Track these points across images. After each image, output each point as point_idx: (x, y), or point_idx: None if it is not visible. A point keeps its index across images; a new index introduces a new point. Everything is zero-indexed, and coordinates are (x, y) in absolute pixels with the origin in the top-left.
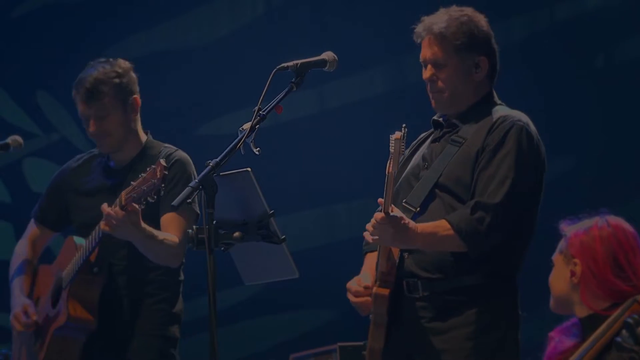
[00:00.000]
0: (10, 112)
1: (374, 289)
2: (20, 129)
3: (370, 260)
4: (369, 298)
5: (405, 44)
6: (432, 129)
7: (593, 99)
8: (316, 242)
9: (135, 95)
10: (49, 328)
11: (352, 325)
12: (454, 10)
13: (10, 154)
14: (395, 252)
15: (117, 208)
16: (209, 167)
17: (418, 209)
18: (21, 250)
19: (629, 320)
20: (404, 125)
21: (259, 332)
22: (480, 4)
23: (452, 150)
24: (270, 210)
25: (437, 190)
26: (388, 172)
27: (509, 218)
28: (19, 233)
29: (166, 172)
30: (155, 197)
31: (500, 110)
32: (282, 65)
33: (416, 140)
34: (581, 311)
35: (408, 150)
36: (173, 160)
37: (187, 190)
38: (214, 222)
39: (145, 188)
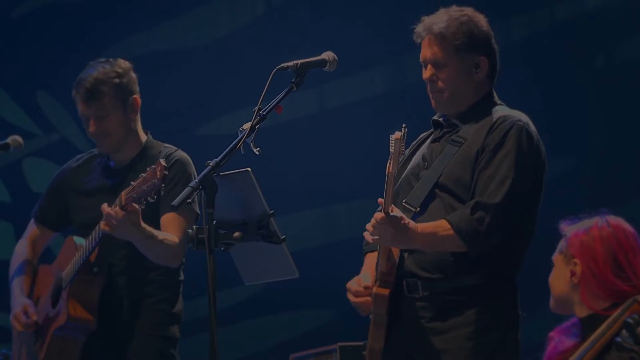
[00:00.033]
0: (10, 112)
1: (374, 289)
2: (20, 129)
3: (370, 260)
4: (369, 298)
5: (405, 44)
6: (432, 129)
7: (593, 99)
8: (316, 242)
9: (135, 95)
10: (49, 328)
11: (352, 325)
12: (454, 10)
13: (10, 154)
14: (395, 252)
15: (117, 208)
16: (209, 167)
17: (418, 209)
18: (21, 250)
19: (629, 320)
20: (404, 125)
21: (259, 332)
22: (480, 4)
23: (452, 150)
24: (270, 210)
25: (437, 190)
26: (388, 172)
27: (509, 218)
28: (19, 233)
29: (166, 172)
30: (156, 197)
31: (501, 110)
32: (282, 65)
33: (416, 140)
34: (581, 311)
35: (408, 150)
36: (173, 161)
37: (187, 190)
38: (214, 222)
39: (145, 188)
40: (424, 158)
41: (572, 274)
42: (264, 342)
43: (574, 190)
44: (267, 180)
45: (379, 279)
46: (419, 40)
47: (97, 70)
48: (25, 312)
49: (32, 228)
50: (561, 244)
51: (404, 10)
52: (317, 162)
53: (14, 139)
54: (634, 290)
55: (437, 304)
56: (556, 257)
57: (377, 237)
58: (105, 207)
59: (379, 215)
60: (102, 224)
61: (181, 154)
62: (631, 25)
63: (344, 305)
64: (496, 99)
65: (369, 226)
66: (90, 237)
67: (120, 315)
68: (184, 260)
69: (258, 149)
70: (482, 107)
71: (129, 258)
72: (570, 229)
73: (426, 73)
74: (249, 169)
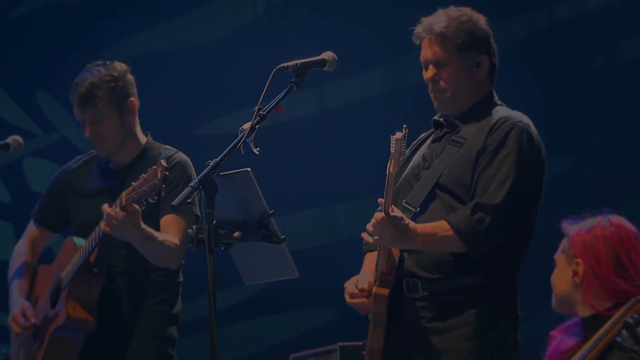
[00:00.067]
0: (10, 112)
1: (374, 289)
2: (20, 129)
3: (370, 260)
4: (364, 300)
5: (405, 44)
6: (432, 129)
7: (593, 99)
8: (316, 242)
9: (131, 98)
10: (48, 328)
11: (352, 325)
12: (453, 10)
13: (10, 154)
14: (395, 252)
15: (118, 208)
16: (209, 167)
17: (418, 209)
18: (20, 250)
19: (629, 320)
20: (404, 125)
21: (259, 332)
22: (480, 4)
23: (452, 151)
24: (270, 210)
25: (437, 191)
26: (389, 173)
27: (509, 219)
28: (19, 233)
29: (167, 173)
30: (156, 197)
31: (501, 111)
32: (282, 65)
33: (416, 140)
34: (583, 311)
35: (408, 150)
36: (173, 162)
37: (187, 190)
38: (214, 222)
39: (146, 189)
40: (424, 158)
41: (575, 273)
42: (264, 342)
43: (574, 190)
44: (267, 180)
45: (379, 279)
46: (418, 42)
47: (92, 74)
48: (24, 315)
49: (31, 228)
50: (563, 244)
51: (404, 10)
52: (317, 162)
53: (14, 139)
54: (636, 290)
55: (437, 304)
56: (558, 257)
57: (377, 237)
58: (105, 207)
59: (379, 215)
60: (102, 224)
61: (181, 155)
62: (631, 25)
63: (344, 305)
64: (496, 99)
65: (369, 226)
66: (90, 237)
67: (120, 315)
68: (183, 262)
69: (258, 149)
70: (483, 108)
71: (129, 259)
72: (572, 229)
73: (427, 73)
74: (249, 169)
